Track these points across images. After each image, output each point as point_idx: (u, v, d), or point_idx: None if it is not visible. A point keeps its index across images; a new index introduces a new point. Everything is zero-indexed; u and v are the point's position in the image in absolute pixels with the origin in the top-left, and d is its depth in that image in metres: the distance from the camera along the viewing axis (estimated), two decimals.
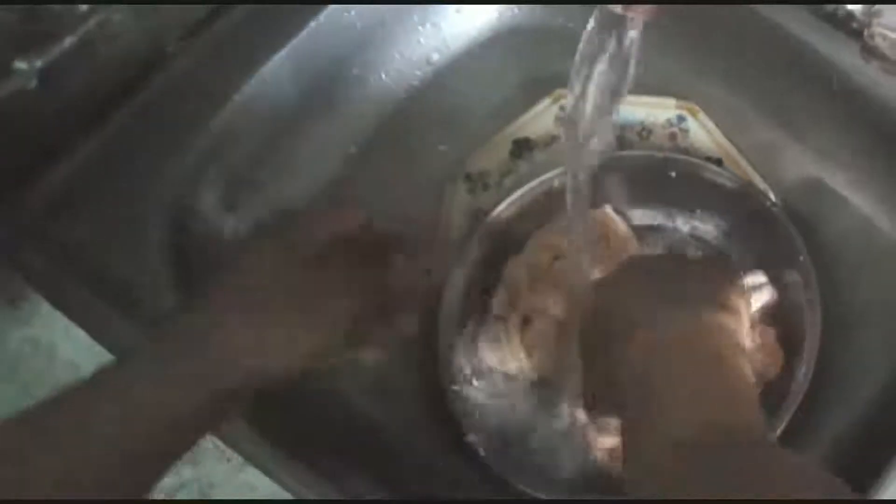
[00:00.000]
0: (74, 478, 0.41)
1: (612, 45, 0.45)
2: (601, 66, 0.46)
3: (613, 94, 0.48)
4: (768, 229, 0.65)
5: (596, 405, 0.54)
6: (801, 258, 0.63)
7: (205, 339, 0.45)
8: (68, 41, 0.60)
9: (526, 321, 0.64)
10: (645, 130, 0.72)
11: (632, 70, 0.47)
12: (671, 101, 0.72)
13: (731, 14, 0.68)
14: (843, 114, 0.67)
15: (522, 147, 0.72)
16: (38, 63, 0.59)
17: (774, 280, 0.65)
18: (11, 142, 0.61)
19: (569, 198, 0.55)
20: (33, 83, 0.59)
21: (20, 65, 0.59)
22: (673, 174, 0.67)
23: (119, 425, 0.43)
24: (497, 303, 0.65)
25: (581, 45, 0.47)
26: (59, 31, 0.60)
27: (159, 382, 0.44)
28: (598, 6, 0.46)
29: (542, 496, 0.60)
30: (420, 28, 0.73)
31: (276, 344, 0.47)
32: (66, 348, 0.65)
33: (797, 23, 0.66)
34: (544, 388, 0.64)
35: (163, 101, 0.65)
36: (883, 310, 0.65)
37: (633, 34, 0.46)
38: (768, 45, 0.68)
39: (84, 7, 0.61)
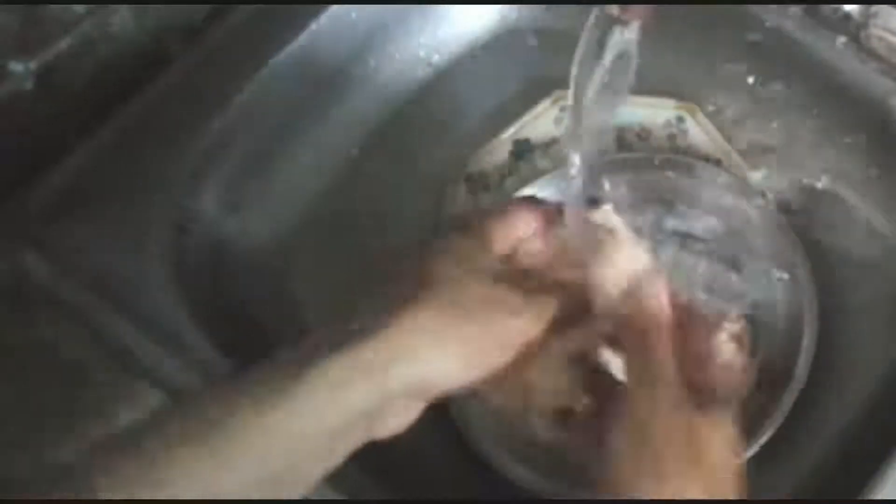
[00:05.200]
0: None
1: (610, 46, 0.46)
2: (600, 68, 0.46)
3: (613, 96, 0.48)
4: (766, 230, 0.65)
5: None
6: (799, 258, 0.63)
7: (383, 365, 0.41)
8: (64, 42, 0.60)
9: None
10: (644, 131, 0.72)
11: (632, 71, 0.47)
12: (670, 102, 0.73)
13: (730, 15, 0.68)
14: (841, 114, 0.67)
15: (523, 148, 0.72)
16: (34, 65, 0.59)
17: (773, 279, 0.65)
18: (9, 143, 0.61)
19: (567, 200, 0.55)
20: (29, 85, 0.59)
21: (16, 66, 0.59)
22: (672, 175, 0.68)
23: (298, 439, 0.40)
24: None
25: (579, 47, 0.47)
26: (56, 32, 0.60)
27: (346, 386, 0.40)
28: (596, 7, 0.46)
29: (543, 496, 0.60)
30: (420, 29, 0.73)
31: (463, 358, 0.42)
32: (69, 350, 0.65)
33: (795, 24, 0.66)
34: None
35: (163, 102, 0.65)
36: (880, 309, 0.65)
37: (631, 35, 0.46)
38: (766, 47, 0.68)
39: (82, 8, 0.61)
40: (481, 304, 0.43)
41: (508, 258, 0.47)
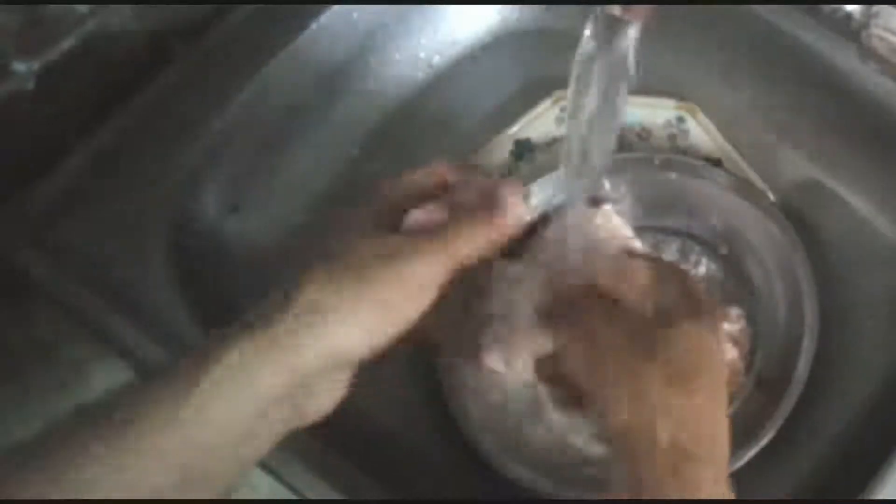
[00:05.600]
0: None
1: (610, 46, 0.46)
2: (600, 68, 0.46)
3: (613, 96, 0.48)
4: (767, 229, 0.65)
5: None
6: (800, 258, 0.63)
7: (295, 331, 0.40)
8: (66, 43, 0.60)
9: None
10: (644, 131, 0.72)
11: (632, 71, 0.47)
12: (670, 102, 0.73)
13: (730, 15, 0.68)
14: (841, 114, 0.67)
15: (523, 148, 0.72)
16: (36, 65, 0.59)
17: (773, 279, 0.65)
18: (10, 143, 0.61)
19: (568, 200, 0.55)
20: (31, 85, 0.60)
21: (18, 66, 0.59)
22: (672, 175, 0.68)
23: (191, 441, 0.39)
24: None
25: (580, 47, 0.47)
26: (58, 32, 0.60)
27: (251, 370, 0.39)
28: (597, 7, 0.46)
29: (544, 496, 0.60)
30: (421, 29, 0.73)
31: (369, 317, 0.41)
32: (69, 348, 0.65)
33: (795, 24, 0.66)
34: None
35: (164, 101, 0.65)
36: (880, 309, 0.66)
37: (632, 35, 0.46)
38: (767, 47, 0.68)
39: (84, 8, 0.61)
40: (375, 259, 0.42)
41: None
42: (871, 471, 0.54)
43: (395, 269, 0.41)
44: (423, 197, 0.47)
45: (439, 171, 0.49)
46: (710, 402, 0.44)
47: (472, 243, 0.44)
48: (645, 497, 0.42)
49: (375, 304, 0.41)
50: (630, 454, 0.43)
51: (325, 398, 0.42)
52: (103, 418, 0.39)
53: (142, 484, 0.38)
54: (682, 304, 0.46)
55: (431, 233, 0.44)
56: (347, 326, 0.41)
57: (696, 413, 0.43)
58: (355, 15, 0.69)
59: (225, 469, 0.41)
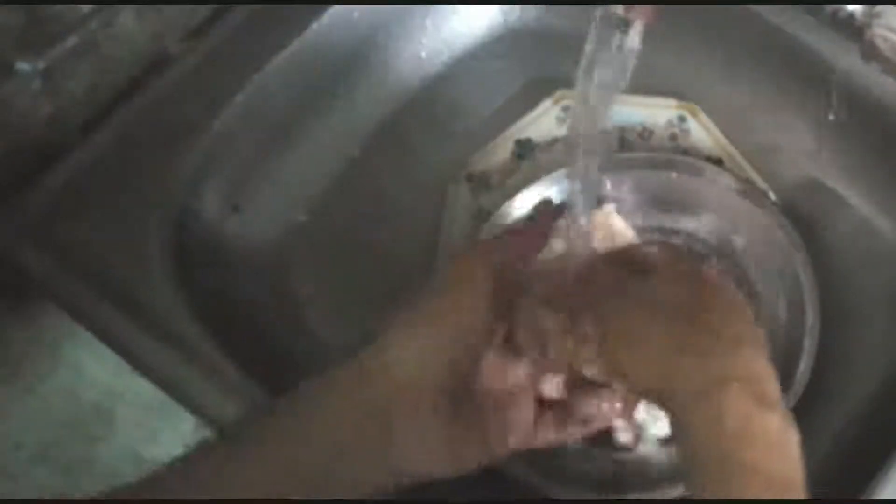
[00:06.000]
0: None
1: (613, 46, 0.46)
2: (604, 68, 0.46)
3: (610, 94, 0.48)
4: (768, 229, 0.65)
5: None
6: (801, 258, 0.63)
7: (363, 363, 0.43)
8: (71, 41, 0.60)
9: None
10: (646, 131, 0.72)
11: (630, 69, 0.48)
12: (672, 102, 0.73)
13: (732, 15, 0.68)
14: (844, 115, 0.67)
15: (525, 148, 0.72)
16: (41, 64, 0.59)
17: (774, 279, 0.65)
18: (14, 142, 0.61)
19: (571, 199, 0.55)
20: (36, 83, 0.60)
21: (22, 65, 0.59)
22: (674, 175, 0.67)
23: (292, 459, 0.41)
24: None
25: (586, 47, 0.47)
26: (61, 31, 0.60)
27: (318, 417, 0.42)
28: (600, 7, 0.46)
29: (545, 496, 0.60)
30: (422, 29, 0.73)
31: (420, 337, 0.44)
32: (70, 348, 0.65)
33: (797, 24, 0.66)
34: None
35: (165, 101, 0.65)
36: (881, 309, 0.65)
37: (635, 35, 0.46)
38: (769, 47, 0.68)
39: (86, 8, 0.61)
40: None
41: None
42: (873, 471, 0.54)
43: (441, 286, 0.45)
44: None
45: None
46: (756, 347, 0.44)
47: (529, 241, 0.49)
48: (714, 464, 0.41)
49: (428, 317, 0.44)
50: (699, 424, 0.42)
51: (412, 452, 0.42)
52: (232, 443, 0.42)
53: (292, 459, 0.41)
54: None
55: None
56: (407, 348, 0.43)
57: (750, 362, 0.43)
58: (356, 15, 0.69)
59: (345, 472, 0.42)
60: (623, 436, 0.60)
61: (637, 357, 0.43)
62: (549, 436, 0.48)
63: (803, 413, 0.59)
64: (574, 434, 0.49)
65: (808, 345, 0.61)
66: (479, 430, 0.44)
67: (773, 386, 0.42)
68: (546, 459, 0.60)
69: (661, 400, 0.43)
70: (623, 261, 0.49)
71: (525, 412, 0.47)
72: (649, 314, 0.44)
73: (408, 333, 0.43)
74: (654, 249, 0.49)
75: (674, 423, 0.43)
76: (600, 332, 0.44)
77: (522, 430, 0.46)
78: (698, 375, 0.42)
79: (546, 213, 0.50)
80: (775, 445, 0.41)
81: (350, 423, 0.41)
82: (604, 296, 0.46)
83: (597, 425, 0.49)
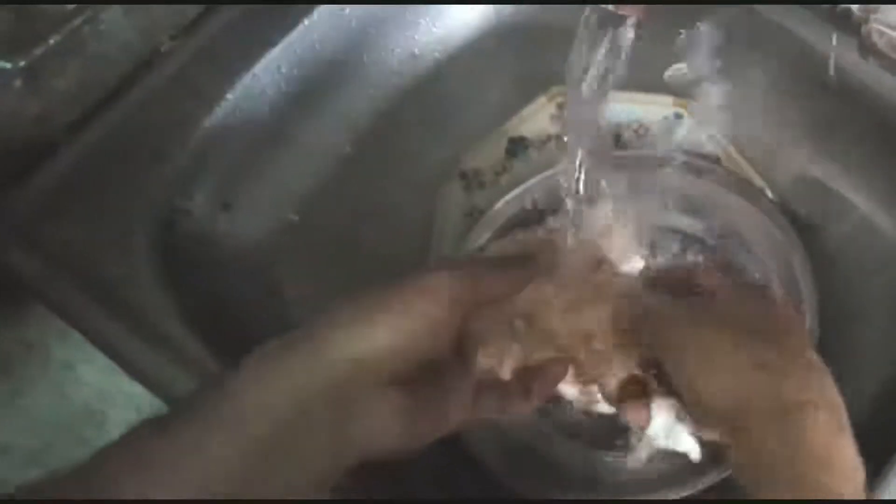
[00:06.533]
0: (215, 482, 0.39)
1: (606, 42, 0.45)
2: (596, 64, 0.46)
3: (605, 91, 0.48)
4: (766, 228, 0.65)
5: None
6: (799, 256, 0.63)
7: (317, 337, 0.42)
8: (53, 40, 0.60)
9: (528, 320, 0.64)
10: (642, 128, 0.72)
11: (623, 66, 0.47)
12: (668, 99, 0.72)
13: (729, 11, 0.68)
14: (841, 111, 0.66)
15: (518, 145, 0.72)
16: (22, 62, 0.59)
17: (772, 278, 0.64)
18: (5, 141, 0.61)
19: (564, 197, 0.55)
20: (18, 83, 0.59)
21: (3, 64, 0.58)
22: (670, 172, 0.67)
23: (238, 431, 0.40)
24: None
25: (576, 43, 0.46)
26: (46, 29, 0.60)
27: (270, 388, 0.41)
28: (591, 5, 0.46)
29: (543, 496, 0.59)
30: (415, 26, 0.73)
31: (377, 328, 0.43)
32: (60, 349, 0.65)
33: (795, 19, 0.66)
34: None
35: (154, 99, 0.65)
36: (881, 309, 0.65)
37: (627, 31, 0.45)
38: (766, 42, 0.68)
39: (74, 6, 0.61)
40: (390, 283, 0.44)
41: None
42: (874, 471, 0.54)
43: (412, 278, 0.44)
44: None
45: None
46: (827, 374, 0.46)
47: (505, 282, 0.48)
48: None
49: (396, 311, 0.43)
50: (775, 445, 0.43)
51: (371, 424, 0.42)
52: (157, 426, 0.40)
53: (200, 483, 0.39)
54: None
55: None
56: (367, 330, 0.42)
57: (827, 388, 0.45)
58: (347, 11, 0.69)
59: (279, 476, 0.41)
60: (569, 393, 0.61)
61: (711, 376, 0.45)
62: (492, 411, 0.49)
63: None
64: (517, 409, 0.51)
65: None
66: (434, 405, 0.45)
67: (846, 415, 0.45)
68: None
69: (731, 420, 0.44)
70: (667, 284, 0.51)
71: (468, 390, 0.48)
72: (719, 334, 0.46)
73: (370, 315, 0.43)
74: (698, 271, 0.51)
75: (738, 443, 0.44)
76: (656, 357, 0.47)
77: (468, 406, 0.48)
78: (776, 395, 0.43)
79: (528, 265, 0.50)
80: (850, 472, 0.43)
81: (312, 395, 0.41)
82: (658, 321, 0.48)
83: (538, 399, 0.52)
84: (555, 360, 0.53)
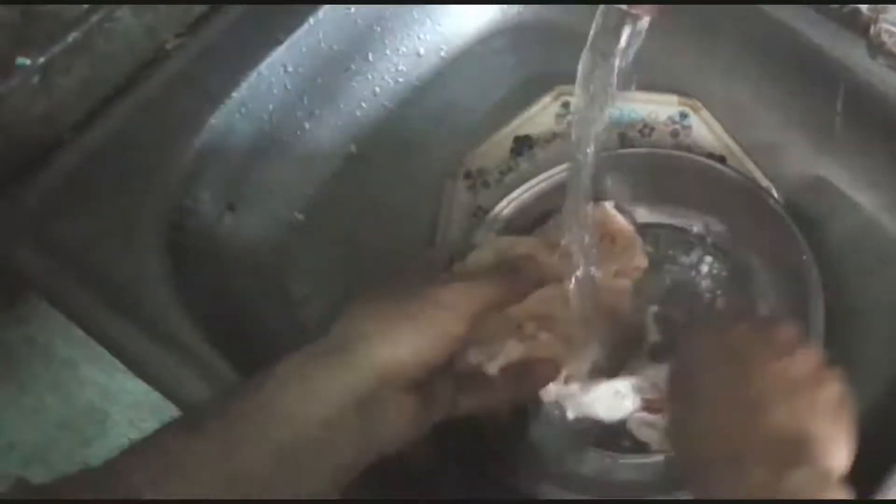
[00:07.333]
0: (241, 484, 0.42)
1: (617, 42, 0.45)
2: (606, 64, 0.46)
3: (616, 91, 0.48)
4: (771, 227, 0.64)
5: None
6: (804, 257, 0.63)
7: (347, 349, 0.46)
8: (71, 37, 0.60)
9: (530, 319, 0.64)
10: (647, 128, 0.72)
11: (631, 67, 0.47)
12: (673, 98, 0.72)
13: (735, 11, 0.68)
14: (848, 111, 0.66)
15: (523, 144, 0.71)
16: (41, 59, 0.59)
17: (778, 278, 0.64)
18: (8, 139, 0.61)
19: (570, 195, 0.55)
20: (35, 80, 0.59)
21: (23, 60, 0.58)
22: (675, 171, 0.67)
23: (272, 436, 0.43)
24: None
25: (588, 43, 0.46)
26: (58, 28, 0.60)
27: (305, 397, 0.44)
28: (603, 4, 0.45)
29: (543, 496, 0.59)
30: (421, 25, 0.73)
31: (411, 333, 0.47)
32: (64, 347, 0.65)
33: (802, 19, 0.66)
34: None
35: (161, 98, 0.65)
36: (887, 308, 0.65)
37: (639, 31, 0.45)
38: (772, 42, 0.67)
39: (84, 6, 0.61)
40: (412, 290, 0.49)
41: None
42: (878, 471, 0.54)
43: (439, 293, 0.48)
44: None
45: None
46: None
47: (511, 291, 0.52)
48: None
49: (420, 322, 0.47)
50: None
51: (390, 426, 0.46)
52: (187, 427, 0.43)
53: (227, 484, 0.41)
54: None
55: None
56: (392, 344, 0.46)
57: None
58: (353, 10, 0.69)
59: (305, 478, 0.44)
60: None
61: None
62: (472, 405, 0.53)
63: None
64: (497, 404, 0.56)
65: (814, 344, 0.60)
66: (433, 402, 0.49)
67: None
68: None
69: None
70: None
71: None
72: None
73: (395, 330, 0.47)
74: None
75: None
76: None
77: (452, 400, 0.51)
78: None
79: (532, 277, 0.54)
80: None
81: (340, 403, 0.44)
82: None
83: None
84: (545, 360, 0.57)
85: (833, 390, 0.48)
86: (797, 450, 0.45)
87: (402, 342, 0.46)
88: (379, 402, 0.45)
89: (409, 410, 0.47)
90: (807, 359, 0.49)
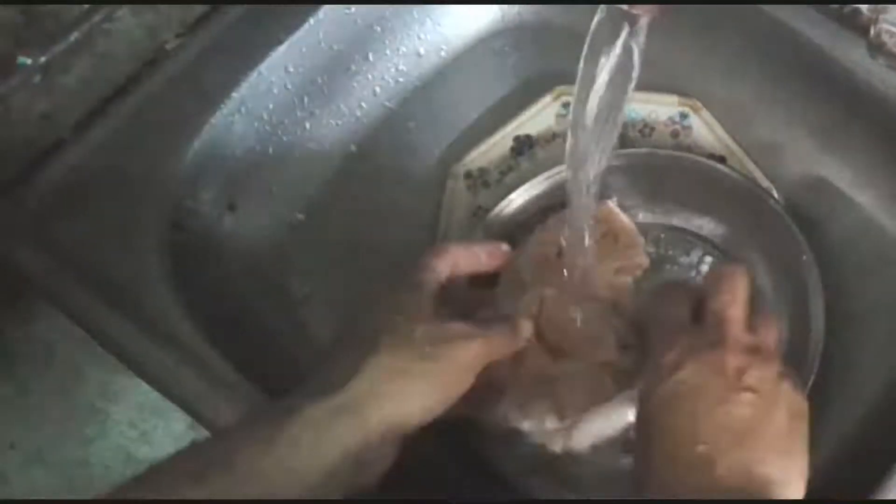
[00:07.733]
0: None
1: (617, 42, 0.45)
2: (606, 64, 0.46)
3: (619, 92, 0.48)
4: (771, 227, 0.64)
5: None
6: (805, 257, 0.63)
7: (361, 408, 0.48)
8: (72, 37, 0.60)
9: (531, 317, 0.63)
10: (647, 127, 0.72)
11: (637, 67, 0.47)
12: (674, 98, 0.72)
13: (736, 11, 0.68)
14: (849, 111, 0.66)
15: (523, 144, 0.71)
16: (42, 59, 0.59)
17: (778, 278, 0.64)
18: (8, 139, 0.61)
19: (570, 195, 0.55)
20: (37, 79, 0.59)
21: (24, 60, 0.59)
22: (675, 172, 0.67)
23: (276, 491, 0.45)
24: (500, 294, 0.65)
25: (588, 43, 0.46)
26: (60, 27, 0.60)
27: (313, 453, 0.47)
28: (603, 4, 0.45)
29: (543, 496, 0.59)
30: (420, 25, 0.73)
31: (426, 392, 0.50)
32: (65, 347, 0.65)
33: (802, 19, 0.65)
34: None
35: (161, 98, 0.65)
36: (887, 308, 0.65)
37: (640, 31, 0.45)
38: (772, 42, 0.67)
39: (85, 6, 0.61)
40: (433, 343, 0.50)
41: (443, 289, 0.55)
42: (879, 471, 0.54)
43: (451, 353, 0.50)
44: (472, 277, 0.59)
45: (489, 253, 0.60)
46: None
47: (509, 344, 0.55)
48: None
49: (432, 381, 0.50)
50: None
51: (376, 468, 0.49)
52: (197, 458, 0.46)
53: None
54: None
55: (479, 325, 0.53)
56: (406, 400, 0.49)
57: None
58: (353, 10, 0.69)
59: None
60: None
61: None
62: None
63: (809, 414, 0.59)
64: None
65: (814, 344, 0.60)
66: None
67: None
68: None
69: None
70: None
71: None
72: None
73: (405, 387, 0.49)
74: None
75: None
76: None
77: None
78: None
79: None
80: None
81: (340, 456, 0.46)
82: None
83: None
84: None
85: (783, 413, 0.48)
86: (750, 497, 0.45)
87: (413, 401, 0.49)
88: (374, 453, 0.48)
89: (392, 461, 0.49)
90: (757, 380, 0.48)
